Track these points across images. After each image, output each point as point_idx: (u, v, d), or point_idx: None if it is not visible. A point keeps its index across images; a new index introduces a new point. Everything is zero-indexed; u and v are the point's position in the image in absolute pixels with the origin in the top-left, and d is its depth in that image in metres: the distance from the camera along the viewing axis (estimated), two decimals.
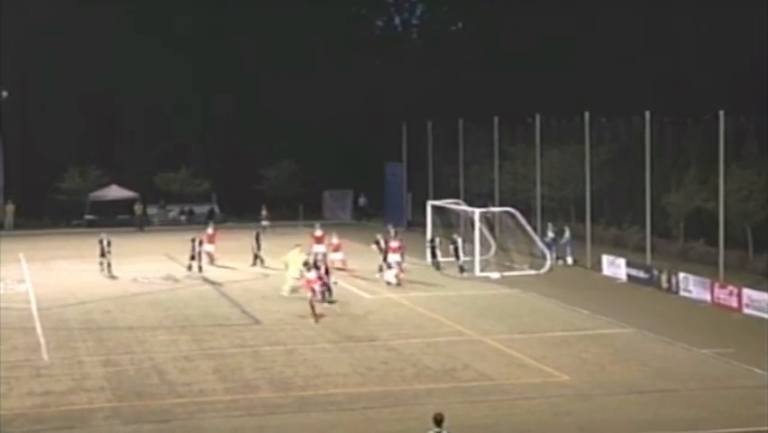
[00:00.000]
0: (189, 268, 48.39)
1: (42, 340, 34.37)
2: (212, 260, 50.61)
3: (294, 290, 41.29)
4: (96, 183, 73.46)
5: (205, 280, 46.96)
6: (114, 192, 73.65)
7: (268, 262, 49.58)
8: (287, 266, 42.55)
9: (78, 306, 41.05)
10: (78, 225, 70.06)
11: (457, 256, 48.10)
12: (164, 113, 75.79)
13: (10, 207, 71.88)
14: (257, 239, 51.01)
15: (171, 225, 71.99)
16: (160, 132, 75.66)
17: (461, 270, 47.72)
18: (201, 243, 48.87)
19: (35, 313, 39.28)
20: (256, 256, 50.51)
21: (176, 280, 46.96)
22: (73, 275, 49.30)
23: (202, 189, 74.72)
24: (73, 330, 36.21)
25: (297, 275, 40.81)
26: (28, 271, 49.98)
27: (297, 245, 43.83)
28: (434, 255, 50.12)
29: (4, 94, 74.19)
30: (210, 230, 52.14)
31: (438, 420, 19.34)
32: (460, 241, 48.58)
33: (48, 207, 71.73)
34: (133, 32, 73.95)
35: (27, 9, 71.93)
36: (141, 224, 70.54)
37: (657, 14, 66.04)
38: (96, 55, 73.05)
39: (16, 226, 70.25)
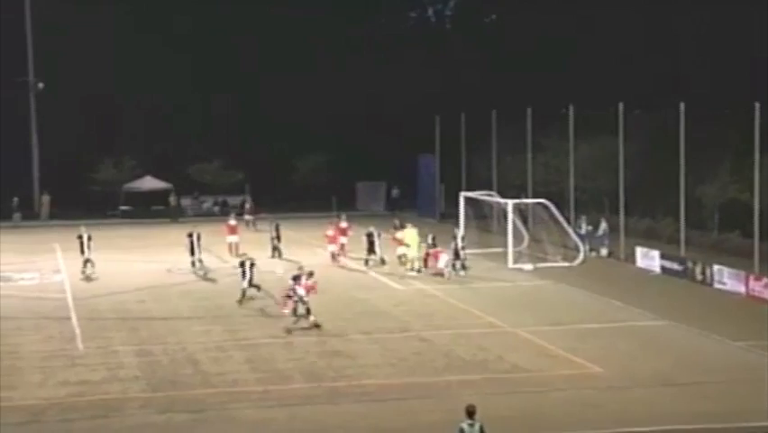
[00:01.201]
0: (193, 264, 47.00)
1: (77, 330, 34.64)
2: (236, 250, 50.29)
3: (419, 269, 44.53)
4: (131, 174, 73.91)
5: (202, 276, 45.96)
6: (149, 183, 74.06)
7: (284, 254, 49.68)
8: (406, 246, 45.50)
9: (113, 296, 41.33)
10: (113, 216, 70.51)
11: (457, 255, 45.53)
12: (203, 106, 75.94)
13: (45, 199, 72.47)
14: (277, 230, 51.00)
15: (205, 215, 72.29)
16: (192, 123, 75.90)
17: (462, 267, 45.30)
18: (199, 237, 47.23)
19: (70, 303, 39.58)
20: (275, 248, 50.47)
21: (209, 271, 47.14)
22: (107, 265, 49.57)
23: (235, 180, 75.03)
24: (107, 320, 36.48)
25: (419, 252, 45.01)
26: (63, 261, 50.34)
27: (402, 227, 46.65)
28: (371, 250, 47.36)
29: (41, 85, 74.78)
30: (232, 221, 52.06)
31: (470, 412, 19.36)
32: (459, 237, 46.28)
33: (82, 199, 72.25)
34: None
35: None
36: (174, 215, 70.90)
37: (694, 6, 65.64)
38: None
39: (52, 217, 70.81)
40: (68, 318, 36.64)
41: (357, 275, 45.31)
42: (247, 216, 62.86)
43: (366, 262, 47.01)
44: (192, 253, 47.13)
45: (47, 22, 72.93)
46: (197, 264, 46.83)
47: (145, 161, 73.60)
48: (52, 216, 71.03)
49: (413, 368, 29.38)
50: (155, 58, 74.75)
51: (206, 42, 76.26)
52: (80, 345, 32.62)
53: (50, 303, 39.80)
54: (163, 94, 74.19)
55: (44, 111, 74.92)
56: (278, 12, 76.14)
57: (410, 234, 46.14)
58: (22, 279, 45.98)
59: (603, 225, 51.34)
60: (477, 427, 19.26)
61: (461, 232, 47.38)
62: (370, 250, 47.24)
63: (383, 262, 46.72)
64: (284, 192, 74.34)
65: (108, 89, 73.45)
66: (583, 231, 51.01)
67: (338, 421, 24.71)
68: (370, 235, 47.52)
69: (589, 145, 55.40)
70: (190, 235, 47.35)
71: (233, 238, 51.04)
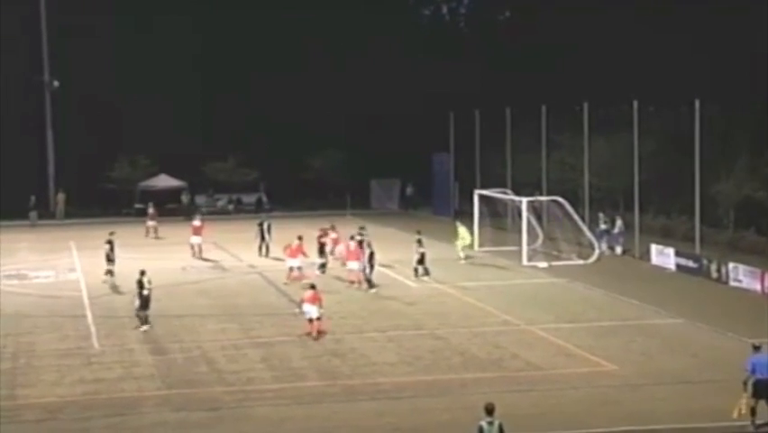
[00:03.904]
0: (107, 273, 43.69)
1: (93, 328, 34.75)
2: (199, 252, 50.10)
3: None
4: (146, 172, 74.07)
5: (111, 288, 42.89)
6: (163, 181, 74.21)
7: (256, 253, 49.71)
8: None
9: (128, 294, 41.28)
10: (128, 214, 70.65)
11: (421, 260, 43.80)
12: (218, 104, 75.99)
13: (61, 197, 72.67)
14: (263, 226, 50.66)
15: (219, 213, 72.41)
16: (207, 122, 75.97)
17: (425, 272, 43.63)
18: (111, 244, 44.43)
19: (86, 301, 39.71)
20: (260, 246, 50.22)
21: (224, 270, 47.25)
22: (123, 263, 49.70)
23: (250, 179, 75.13)
24: (123, 318, 36.53)
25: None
26: (78, 259, 50.47)
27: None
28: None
29: (56, 83, 74.97)
30: (197, 222, 51.49)
31: (489, 410, 19.37)
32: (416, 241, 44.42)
33: (98, 197, 72.40)
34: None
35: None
36: (188, 213, 70.96)
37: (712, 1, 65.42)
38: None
39: (67, 215, 71.03)
40: (84, 316, 36.77)
41: (373, 274, 45.20)
42: (149, 222, 59.76)
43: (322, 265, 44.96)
44: (109, 260, 43.87)
45: (63, 21, 73.05)
46: (109, 275, 42.40)
47: (160, 159, 73.67)
48: (68, 214, 71.22)
49: (428, 366, 29.40)
50: (169, 57, 74.80)
51: (222, 42, 76.30)
52: (96, 344, 32.72)
53: (66, 301, 39.94)
54: (177, 93, 74.19)
55: (60, 109, 75.07)
56: (294, 9, 76.10)
57: (461, 231, 48.91)
58: (38, 277, 46.15)
59: (619, 223, 51.27)
60: (496, 424, 19.26)
61: (419, 235, 45.12)
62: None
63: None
64: (298, 190, 74.32)
65: (123, 88, 73.50)
66: (602, 228, 50.92)
67: (353, 420, 24.74)
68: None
69: (604, 143, 55.30)
70: (109, 242, 44.30)
71: (196, 239, 50.69)
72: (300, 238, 43.24)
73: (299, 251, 43.00)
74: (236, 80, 76.08)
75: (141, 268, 36.01)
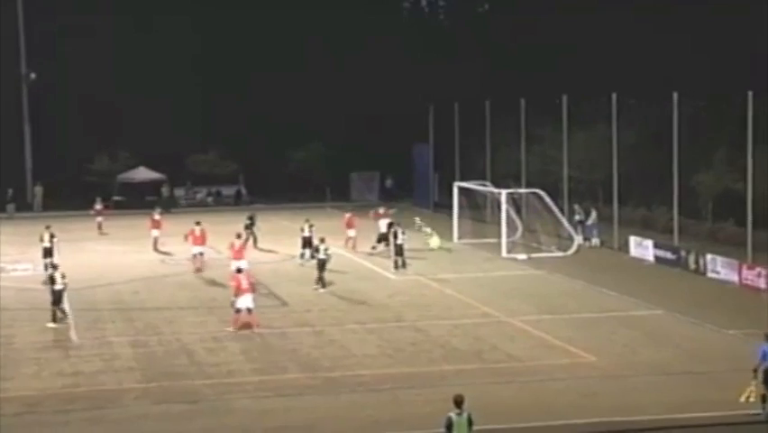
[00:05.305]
0: (46, 268, 42.04)
1: (71, 321, 34.58)
2: (154, 244, 49.92)
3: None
4: (125, 165, 73.80)
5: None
6: (142, 174, 73.92)
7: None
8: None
9: (107, 287, 41.30)
10: (107, 207, 70.29)
11: (399, 252, 43.78)
12: (199, 97, 75.71)
13: (38, 189, 72.34)
14: (251, 219, 50.72)
15: (199, 206, 72.21)
16: (187, 115, 75.72)
17: (403, 265, 43.60)
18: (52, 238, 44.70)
19: (64, 294, 39.39)
20: (247, 238, 50.30)
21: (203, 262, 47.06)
22: (102, 256, 49.65)
23: (230, 171, 74.97)
24: (102, 311, 36.44)
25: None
26: (57, 252, 50.13)
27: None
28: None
29: (33, 76, 74.60)
30: (156, 216, 51.31)
31: (458, 402, 19.42)
32: (401, 232, 44.38)
33: (77, 189, 72.07)
34: None
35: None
36: (166, 205, 70.76)
37: None
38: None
39: (45, 208, 70.63)
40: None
41: (353, 266, 45.26)
42: (98, 219, 58.66)
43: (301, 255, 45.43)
44: (48, 254, 43.61)
45: (40, 13, 72.69)
46: (50, 269, 38.68)
47: (141, 151, 73.41)
48: (46, 206, 70.85)
49: (409, 358, 29.40)
50: (150, 49, 74.51)
51: (203, 36, 76.05)
52: (74, 337, 32.60)
53: (45, 294, 39.49)
54: (159, 85, 73.94)
55: (38, 102, 74.68)
56: (271, 5, 75.92)
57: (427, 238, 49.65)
58: (16, 270, 45.90)
59: (593, 214, 51.44)
60: (465, 416, 19.31)
61: (401, 228, 45.02)
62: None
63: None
64: (279, 183, 74.22)
65: (103, 81, 73.16)
66: (576, 219, 51.08)
67: (335, 412, 24.71)
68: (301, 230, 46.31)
69: (585, 136, 55.39)
70: (52, 237, 44.37)
71: (155, 233, 50.52)
72: (239, 236, 42.79)
73: (203, 237, 43.91)
74: (218, 75, 75.75)
75: (54, 262, 36.30)
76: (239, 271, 34.33)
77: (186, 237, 45.00)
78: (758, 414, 23.32)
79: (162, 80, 74.01)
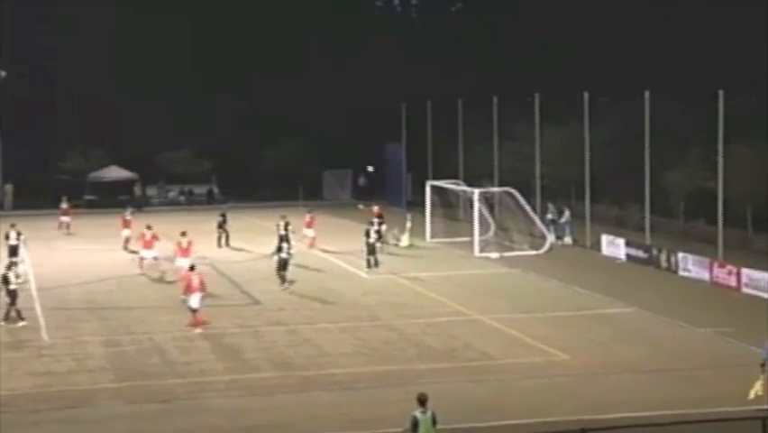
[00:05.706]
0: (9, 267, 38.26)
1: (42, 320, 34.31)
2: (125, 243, 49.61)
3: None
4: (98, 164, 73.40)
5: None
6: (114, 173, 73.58)
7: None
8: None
9: (80, 286, 41.04)
10: (78, 206, 69.92)
11: (372, 251, 43.46)
12: (173, 95, 75.34)
13: (9, 188, 71.85)
14: (223, 217, 50.73)
15: (171, 205, 71.90)
16: (160, 113, 75.36)
17: (375, 263, 43.23)
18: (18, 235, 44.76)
19: (34, 293, 39.19)
20: (220, 237, 50.35)
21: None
22: (74, 255, 49.32)
23: (203, 169, 74.68)
24: (74, 310, 36.20)
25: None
26: (26, 251, 49.80)
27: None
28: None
29: (3, 74, 74.06)
30: (128, 216, 51.07)
31: (422, 400, 19.50)
32: (374, 231, 44.26)
33: (48, 188, 71.55)
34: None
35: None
36: (138, 205, 70.41)
37: None
38: (98, 49, 72.94)
39: (16, 207, 70.10)
40: (32, 309, 36.20)
41: (327, 264, 45.18)
42: (62, 218, 58.01)
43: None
44: (14, 253, 43.47)
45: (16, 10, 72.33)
46: (13, 269, 36.25)
47: (113, 150, 73.05)
48: (16, 205, 70.34)
49: (383, 357, 29.34)
50: (126, 45, 74.17)
51: (178, 34, 75.75)
52: (45, 336, 32.34)
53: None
54: (134, 83, 73.60)
55: (9, 99, 74.12)
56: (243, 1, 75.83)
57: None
58: None
59: (566, 213, 51.54)
60: (429, 414, 19.35)
61: (375, 227, 45.02)
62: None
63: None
64: (253, 181, 74.00)
65: (78, 78, 72.74)
66: (548, 218, 51.18)
67: (309, 410, 24.61)
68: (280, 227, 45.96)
69: (558, 133, 55.46)
70: (19, 234, 44.39)
71: (126, 232, 50.21)
72: (149, 227, 43.11)
73: (154, 240, 43.35)
74: (191, 73, 75.35)
75: (8, 263, 36.30)
76: (192, 268, 34.16)
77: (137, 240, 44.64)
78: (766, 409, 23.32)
79: (147, 78, 73.63)
